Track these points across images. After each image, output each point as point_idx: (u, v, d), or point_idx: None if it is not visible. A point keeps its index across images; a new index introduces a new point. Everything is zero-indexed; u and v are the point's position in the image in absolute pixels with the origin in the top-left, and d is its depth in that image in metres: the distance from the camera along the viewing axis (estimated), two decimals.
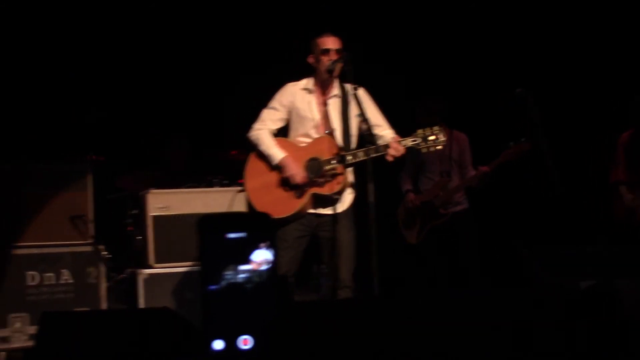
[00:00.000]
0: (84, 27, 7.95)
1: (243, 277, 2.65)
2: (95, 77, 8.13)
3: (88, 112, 7.99)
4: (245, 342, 2.63)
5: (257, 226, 2.69)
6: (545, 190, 6.63)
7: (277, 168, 5.25)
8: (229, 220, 2.70)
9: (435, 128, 5.09)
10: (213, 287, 2.64)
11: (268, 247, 2.70)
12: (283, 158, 5.20)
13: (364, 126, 5.13)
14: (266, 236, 2.68)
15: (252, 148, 5.39)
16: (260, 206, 5.23)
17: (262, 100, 5.54)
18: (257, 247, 2.65)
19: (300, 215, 5.21)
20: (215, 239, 2.66)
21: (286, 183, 5.22)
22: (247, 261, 2.65)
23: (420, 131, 5.10)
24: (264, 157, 5.31)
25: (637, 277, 4.86)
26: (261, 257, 2.68)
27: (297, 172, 5.16)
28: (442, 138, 5.07)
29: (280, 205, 5.20)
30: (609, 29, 7.68)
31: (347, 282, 5.20)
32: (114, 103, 8.20)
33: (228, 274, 2.64)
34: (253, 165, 5.35)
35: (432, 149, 5.09)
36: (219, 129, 8.27)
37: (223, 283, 2.64)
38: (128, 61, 8.21)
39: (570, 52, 7.88)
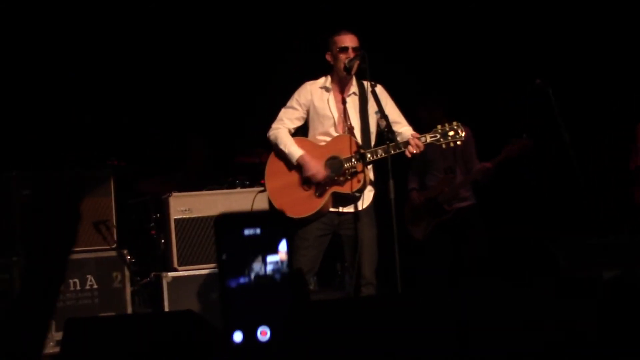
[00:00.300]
0: (105, 33, 7.98)
1: (272, 269, 2.65)
2: (115, 83, 8.16)
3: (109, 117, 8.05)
4: (263, 333, 2.64)
5: (272, 223, 2.69)
6: (568, 181, 6.61)
7: (297, 167, 5.24)
8: (245, 218, 2.70)
9: (455, 123, 5.11)
10: (242, 279, 2.64)
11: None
12: (301, 156, 5.19)
13: (383, 123, 5.13)
14: (280, 232, 2.68)
15: (272, 148, 5.38)
16: (281, 206, 5.23)
17: (282, 100, 5.55)
18: (282, 239, 2.65)
19: (321, 214, 5.20)
20: (232, 236, 2.67)
21: (306, 182, 5.22)
22: (275, 251, 2.65)
23: (439, 127, 5.10)
24: (283, 157, 5.30)
25: None
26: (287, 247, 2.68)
27: (317, 171, 5.16)
28: (461, 133, 5.08)
29: (301, 205, 5.19)
30: (616, 21, 7.65)
31: (370, 279, 5.19)
32: (134, 107, 8.23)
33: (256, 265, 2.64)
34: (273, 165, 5.35)
35: (451, 144, 5.09)
36: (241, 130, 8.27)
37: (252, 275, 2.64)
38: (148, 66, 8.23)
39: (575, 45, 7.84)
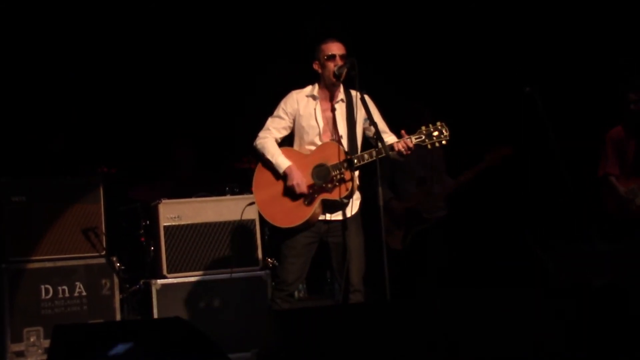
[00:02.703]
0: (96, 39, 7.99)
1: None
2: (106, 90, 8.16)
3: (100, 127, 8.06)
4: None
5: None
6: (557, 189, 6.62)
7: (284, 177, 5.22)
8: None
9: (439, 123, 5.08)
10: None
11: None
12: (288, 167, 5.19)
13: (371, 131, 5.13)
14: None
15: (259, 157, 5.36)
16: (271, 217, 5.22)
17: (271, 107, 5.54)
18: None
19: (310, 223, 5.18)
20: None
21: (294, 191, 5.20)
22: None
23: (423, 128, 5.08)
24: (270, 167, 5.28)
25: None
26: None
27: (301, 182, 5.14)
28: (445, 133, 5.05)
29: (291, 214, 5.17)
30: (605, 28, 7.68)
31: (358, 286, 5.18)
32: (124, 115, 8.23)
33: None
34: (260, 176, 5.33)
35: (437, 144, 5.07)
36: (231, 137, 8.27)
37: None
38: (139, 75, 8.23)
39: (562, 52, 7.86)
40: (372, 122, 5.09)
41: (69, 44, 7.88)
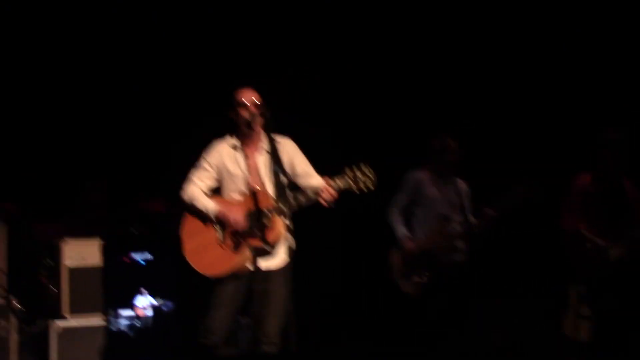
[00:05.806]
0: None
1: (125, 324, 2.51)
2: (17, 123, 8.00)
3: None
4: None
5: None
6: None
7: (213, 225, 5.17)
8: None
9: (362, 165, 5.00)
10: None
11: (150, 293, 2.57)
12: (219, 210, 5.14)
13: (293, 176, 5.18)
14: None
15: (187, 208, 5.28)
16: (200, 267, 5.11)
17: (184, 148, 5.48)
18: (138, 293, 2.53)
19: (238, 271, 5.10)
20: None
21: (223, 240, 5.14)
22: (129, 306, 2.52)
23: (348, 170, 5.02)
24: (198, 216, 5.22)
25: None
26: (144, 302, 2.55)
27: (237, 218, 5.09)
28: (371, 177, 5.00)
29: (218, 263, 5.10)
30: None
31: (274, 338, 5.09)
32: (34, 150, 8.07)
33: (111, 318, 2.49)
34: (188, 226, 5.25)
35: (364, 190, 5.01)
36: (139, 177, 8.16)
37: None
38: (49, 104, 8.09)
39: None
40: (284, 173, 5.11)
41: None
